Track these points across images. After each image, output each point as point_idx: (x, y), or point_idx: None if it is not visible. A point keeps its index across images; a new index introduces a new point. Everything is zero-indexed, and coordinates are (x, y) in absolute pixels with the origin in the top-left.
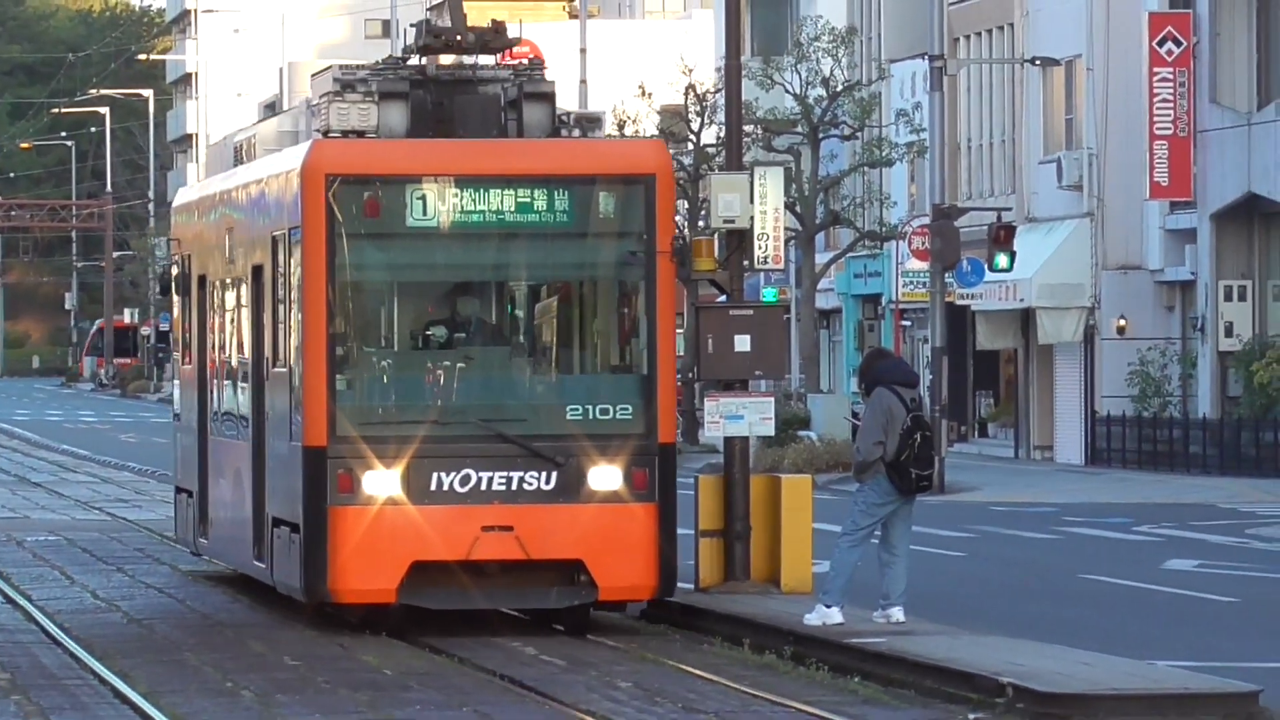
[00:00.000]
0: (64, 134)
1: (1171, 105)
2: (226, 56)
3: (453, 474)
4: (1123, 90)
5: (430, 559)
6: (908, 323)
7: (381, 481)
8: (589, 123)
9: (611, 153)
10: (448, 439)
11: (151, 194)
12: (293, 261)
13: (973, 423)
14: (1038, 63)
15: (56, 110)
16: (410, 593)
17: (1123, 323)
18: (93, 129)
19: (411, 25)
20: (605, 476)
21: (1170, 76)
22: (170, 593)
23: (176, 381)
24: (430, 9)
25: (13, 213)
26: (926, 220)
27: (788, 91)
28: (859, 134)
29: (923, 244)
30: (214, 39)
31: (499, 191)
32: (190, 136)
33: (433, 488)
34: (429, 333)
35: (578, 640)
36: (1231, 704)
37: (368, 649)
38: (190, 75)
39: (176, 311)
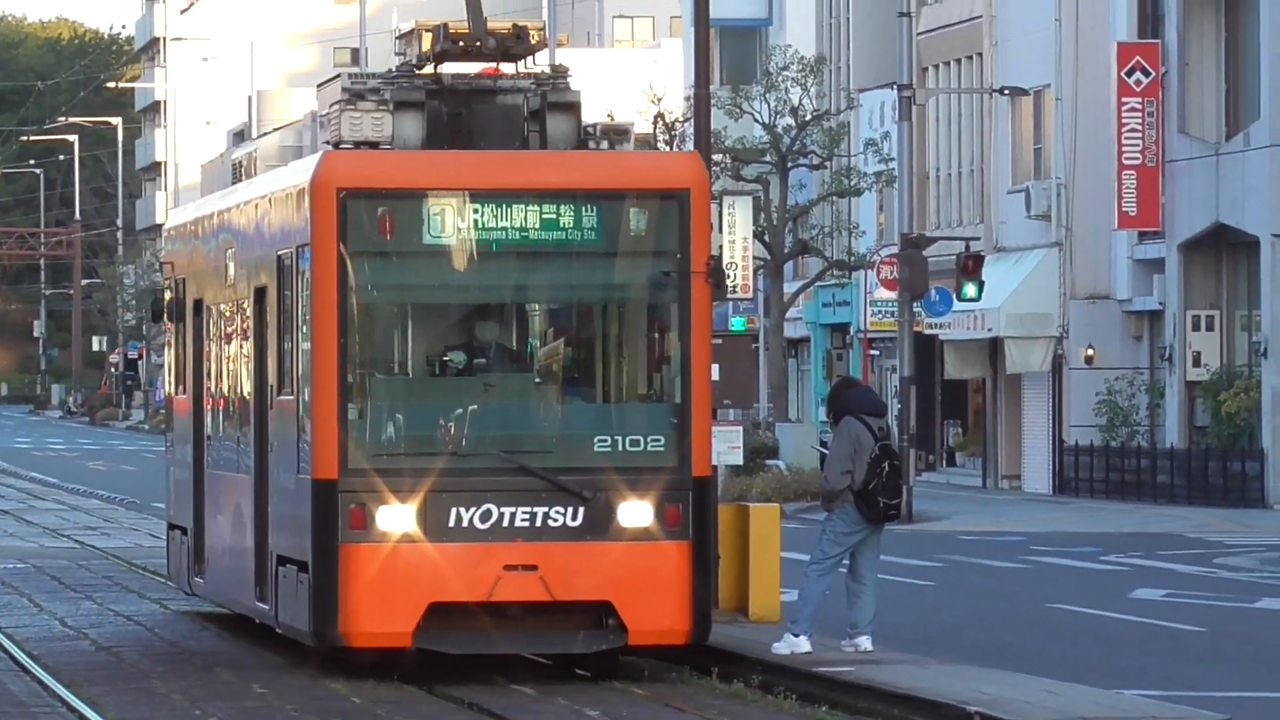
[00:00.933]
0: (32, 161)
1: (1140, 135)
2: (195, 85)
3: (473, 509)
4: (1091, 120)
5: (449, 600)
6: (876, 352)
7: (396, 517)
8: (617, 134)
9: (643, 166)
10: (467, 472)
11: (120, 222)
12: (301, 282)
13: (940, 452)
14: (1006, 92)
15: (25, 138)
16: (427, 636)
17: (1091, 352)
18: (61, 157)
19: (427, 30)
20: (635, 512)
21: (1139, 107)
22: (139, 620)
23: (170, 412)
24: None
25: None
26: (895, 250)
27: (756, 121)
28: (828, 163)
29: (891, 273)
30: (183, 67)
31: (523, 207)
32: (159, 164)
33: (451, 524)
34: (447, 358)
35: (551, 669)
36: None
37: (336, 677)
38: (159, 103)
39: (170, 339)
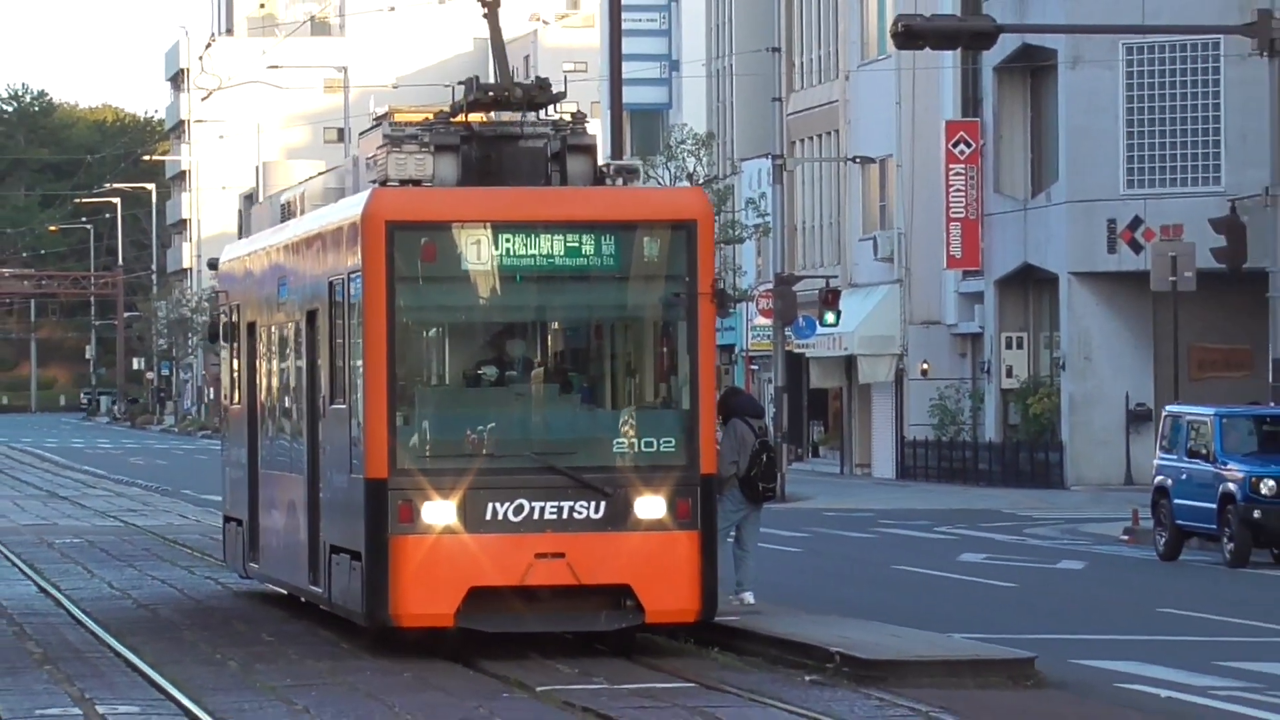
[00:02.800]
0: (84, 219)
1: (964, 194)
2: (213, 157)
3: (507, 504)
4: (925, 182)
5: (486, 585)
6: (755, 367)
7: (440, 511)
8: (629, 173)
9: (655, 199)
10: (502, 471)
11: (154, 267)
12: (352, 304)
13: (808, 446)
14: (858, 161)
15: (78, 200)
16: (467, 617)
17: (925, 366)
18: (106, 215)
19: (460, 83)
20: (651, 506)
21: (963, 171)
22: (171, 584)
23: (225, 420)
24: (377, 118)
25: (43, 282)
26: (770, 286)
27: (660, 185)
28: (717, 218)
29: (767, 304)
30: (203, 143)
31: (549, 236)
32: (185, 221)
33: (488, 517)
34: (482, 371)
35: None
36: (1013, 668)
37: (329, 626)
38: (184, 172)
39: (224, 356)
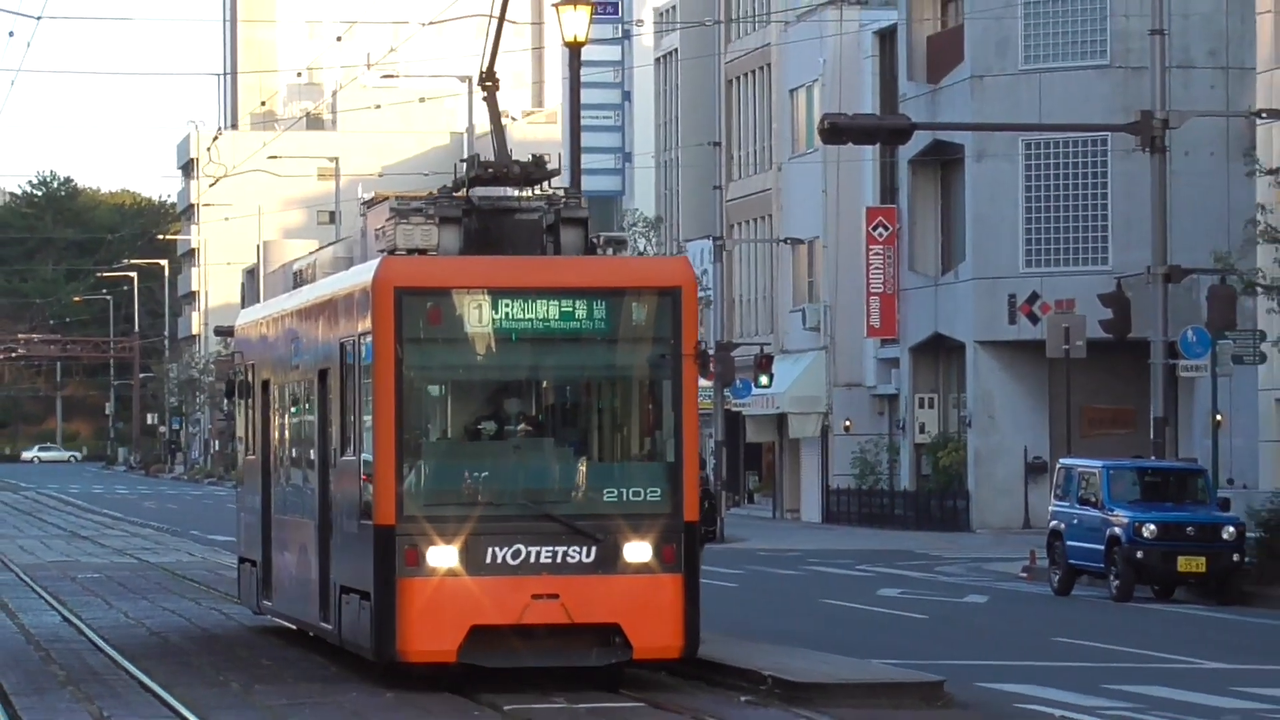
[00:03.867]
0: (104, 291)
1: (882, 271)
2: (219, 237)
3: (505, 549)
4: (848, 260)
5: (486, 623)
6: None
7: (443, 556)
8: (618, 244)
9: (643, 268)
10: (500, 518)
11: (166, 333)
12: (361, 364)
13: (744, 493)
14: (788, 241)
15: (99, 274)
16: (469, 653)
17: (848, 423)
18: (124, 287)
19: (462, 160)
20: (638, 551)
21: (881, 251)
22: (180, 614)
23: (239, 470)
24: (364, 203)
25: (68, 346)
26: (712, 351)
27: None
28: None
29: (709, 369)
30: (210, 224)
31: (545, 302)
32: (194, 293)
33: (488, 561)
34: (482, 425)
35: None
36: (925, 690)
37: (321, 653)
38: (194, 250)
39: (240, 411)
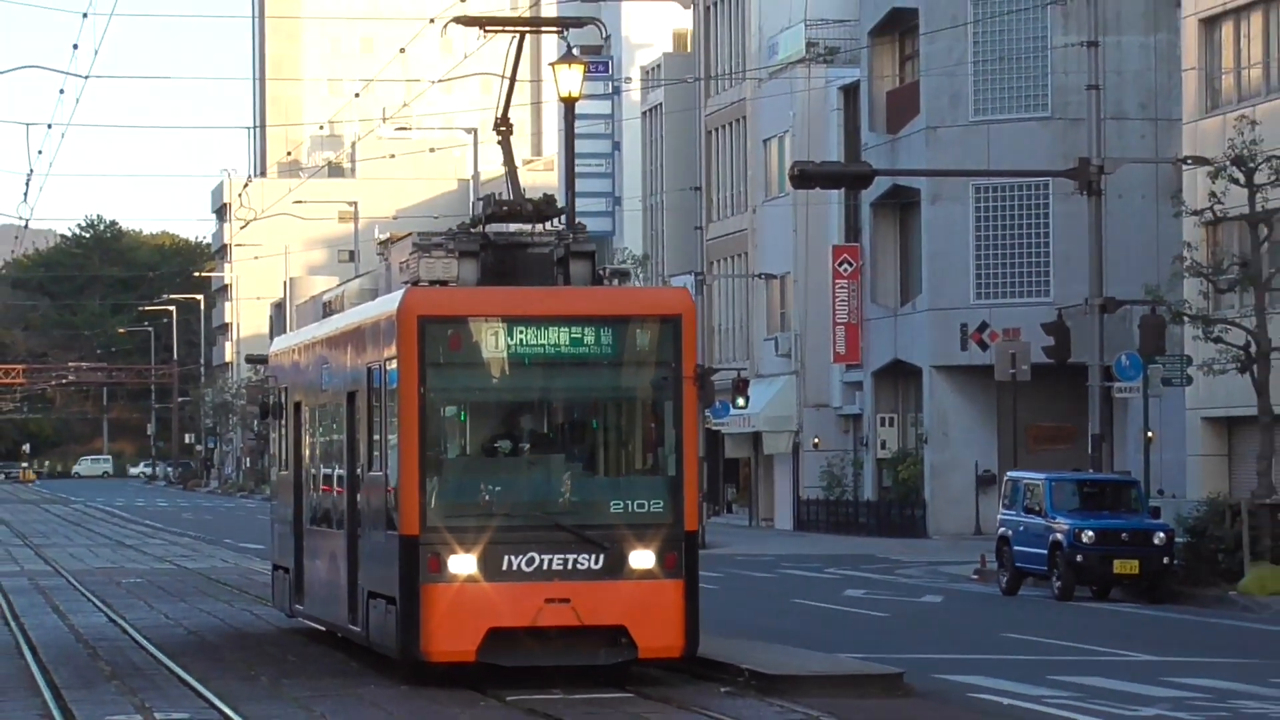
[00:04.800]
0: (146, 323)
1: (847, 303)
2: (249, 274)
3: (520, 557)
4: (816, 294)
5: (503, 626)
6: None
7: (463, 563)
8: (623, 276)
9: (646, 298)
10: (515, 528)
11: (202, 361)
12: (388, 387)
13: (723, 503)
14: (762, 277)
15: (141, 309)
16: (487, 653)
17: (817, 441)
18: (164, 320)
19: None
20: (642, 558)
21: (846, 285)
22: (215, 615)
23: (273, 485)
24: (379, 243)
25: (113, 373)
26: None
27: None
28: None
29: (709, 390)
30: (242, 263)
31: (556, 329)
32: (227, 325)
33: (504, 568)
34: (499, 443)
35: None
36: (886, 681)
37: (341, 650)
38: (227, 286)
39: (273, 430)
